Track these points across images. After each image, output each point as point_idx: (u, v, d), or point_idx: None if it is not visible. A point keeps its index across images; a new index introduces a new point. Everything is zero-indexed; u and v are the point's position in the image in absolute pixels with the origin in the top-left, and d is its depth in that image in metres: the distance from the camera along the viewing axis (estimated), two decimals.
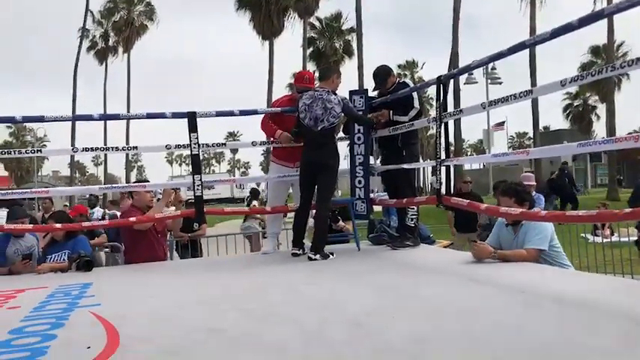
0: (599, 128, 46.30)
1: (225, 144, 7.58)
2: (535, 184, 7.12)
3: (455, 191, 9.19)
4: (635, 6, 2.63)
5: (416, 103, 5.20)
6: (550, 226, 4.00)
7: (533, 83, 25.70)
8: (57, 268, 4.76)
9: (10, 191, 6.16)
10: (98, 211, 10.23)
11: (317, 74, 5.37)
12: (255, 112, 5.60)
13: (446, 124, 4.57)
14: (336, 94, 5.04)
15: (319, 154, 4.96)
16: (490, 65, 24.23)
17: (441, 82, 4.54)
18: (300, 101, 5.07)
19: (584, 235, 8.73)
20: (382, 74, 5.48)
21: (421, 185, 42.33)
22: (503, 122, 34.78)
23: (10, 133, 67.71)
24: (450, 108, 4.96)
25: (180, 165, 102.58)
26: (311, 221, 5.56)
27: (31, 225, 5.44)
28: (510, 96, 3.74)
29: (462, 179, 9.55)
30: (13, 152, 7.01)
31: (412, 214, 5.18)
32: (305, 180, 5.08)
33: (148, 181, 5.78)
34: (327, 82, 5.14)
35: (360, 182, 5.52)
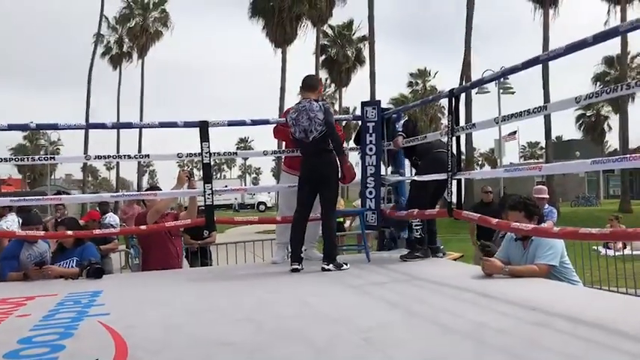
0: (612, 139, 46.04)
1: (236, 153, 7.61)
2: (548, 197, 7.01)
3: (478, 202, 8.99)
4: None
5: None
6: (561, 242, 3.95)
7: (546, 93, 25.58)
8: (68, 274, 4.78)
9: (24, 198, 6.21)
10: (110, 217, 10.26)
11: (303, 83, 5.13)
12: (266, 122, 5.62)
13: (458, 138, 4.56)
14: (317, 102, 4.94)
15: (317, 164, 4.91)
16: None
17: (454, 95, 4.53)
18: (288, 116, 5.02)
19: (595, 247, 8.61)
20: None
21: None
22: (515, 132, 34.49)
23: (24, 137, 68.38)
24: (462, 117, 4.94)
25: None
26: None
27: (43, 232, 5.48)
28: (524, 111, 3.72)
29: (483, 189, 9.12)
30: (27, 159, 7.09)
31: (416, 225, 5.14)
32: (304, 191, 5.00)
33: (160, 189, 5.79)
34: (314, 93, 5.05)
35: (370, 193, 5.51)
